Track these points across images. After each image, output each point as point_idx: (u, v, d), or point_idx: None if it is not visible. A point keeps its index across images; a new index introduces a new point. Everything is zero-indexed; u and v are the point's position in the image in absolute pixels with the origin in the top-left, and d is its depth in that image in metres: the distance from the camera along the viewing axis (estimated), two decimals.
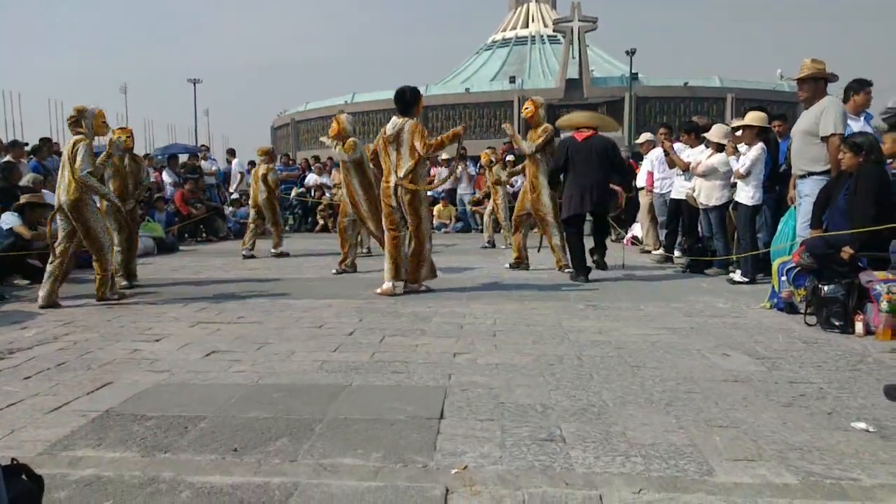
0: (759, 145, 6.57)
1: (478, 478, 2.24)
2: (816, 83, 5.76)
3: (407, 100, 6.12)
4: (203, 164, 14.86)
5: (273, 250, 9.63)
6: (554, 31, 42.78)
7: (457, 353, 3.94)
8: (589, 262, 7.07)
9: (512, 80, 42.18)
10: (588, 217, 7.28)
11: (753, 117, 6.74)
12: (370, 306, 5.54)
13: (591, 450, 2.46)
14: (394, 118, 6.14)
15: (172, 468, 2.35)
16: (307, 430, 2.69)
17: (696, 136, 7.80)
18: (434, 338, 4.35)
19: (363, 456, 2.43)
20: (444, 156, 15.38)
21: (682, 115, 37.31)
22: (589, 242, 7.14)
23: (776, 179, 6.92)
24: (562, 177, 7.13)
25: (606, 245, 7.37)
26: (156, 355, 3.98)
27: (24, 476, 1.82)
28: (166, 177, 13.40)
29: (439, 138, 6.08)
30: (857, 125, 6.02)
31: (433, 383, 3.33)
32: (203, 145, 19.69)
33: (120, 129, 7.11)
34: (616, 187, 7.92)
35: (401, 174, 6.03)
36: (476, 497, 2.11)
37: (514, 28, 51.21)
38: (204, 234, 12.98)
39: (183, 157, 15.21)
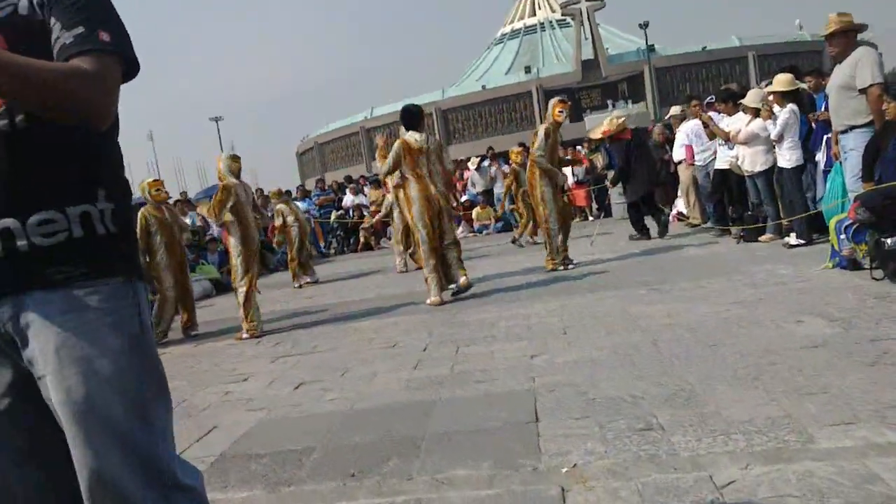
0: (788, 108, 6.61)
1: (589, 474, 2.35)
2: (846, 36, 5.73)
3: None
4: None
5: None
6: (562, 14, 42.56)
7: (533, 354, 4.05)
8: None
9: (527, 69, 42.06)
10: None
11: (778, 81, 6.78)
12: (435, 319, 5.68)
13: (692, 433, 2.55)
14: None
15: (300, 500, 2.52)
16: (413, 447, 2.84)
17: (732, 103, 7.77)
18: (506, 342, 4.46)
19: (474, 466, 2.56)
20: (474, 160, 15.52)
21: (705, 81, 36.88)
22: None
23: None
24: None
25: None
26: (248, 394, 4.18)
27: None
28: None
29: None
30: None
31: (519, 388, 3.45)
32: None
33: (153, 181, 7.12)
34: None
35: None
36: (592, 492, 2.23)
37: (521, 18, 51.07)
38: None
39: None
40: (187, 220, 13.35)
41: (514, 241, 10.63)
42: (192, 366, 5.41)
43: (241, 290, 6.19)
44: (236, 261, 6.27)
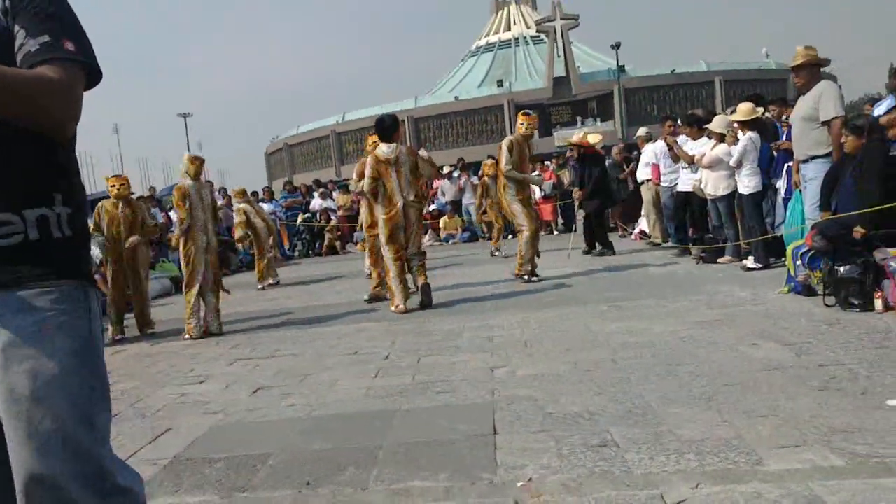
0: (747, 135, 6.81)
1: (543, 488, 2.38)
2: (812, 69, 5.94)
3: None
4: None
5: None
6: (537, 31, 43.06)
7: (494, 367, 4.07)
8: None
9: (499, 83, 42.40)
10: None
11: (740, 110, 6.98)
12: (399, 327, 5.67)
13: (645, 451, 2.59)
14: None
15: None
16: (371, 457, 2.83)
17: (698, 127, 7.95)
18: (469, 354, 4.48)
19: (431, 478, 2.56)
20: (446, 169, 15.56)
21: (672, 103, 37.58)
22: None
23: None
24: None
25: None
26: (205, 397, 4.12)
27: None
28: (174, 215, 13.57)
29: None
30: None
31: (479, 400, 3.46)
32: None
33: (113, 176, 7.07)
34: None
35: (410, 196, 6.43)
36: None
37: (496, 32, 51.49)
38: None
39: None
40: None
41: (493, 253, 10.75)
42: (147, 366, 5.31)
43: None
44: (183, 261, 6.34)
